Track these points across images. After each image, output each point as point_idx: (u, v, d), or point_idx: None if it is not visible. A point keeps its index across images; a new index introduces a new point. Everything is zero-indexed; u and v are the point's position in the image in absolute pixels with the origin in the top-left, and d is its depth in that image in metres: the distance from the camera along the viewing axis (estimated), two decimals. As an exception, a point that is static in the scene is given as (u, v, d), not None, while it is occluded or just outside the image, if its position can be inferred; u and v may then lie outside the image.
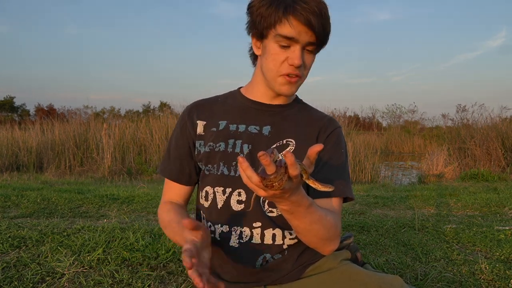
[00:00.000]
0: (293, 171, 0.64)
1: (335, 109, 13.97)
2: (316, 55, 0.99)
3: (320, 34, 0.91)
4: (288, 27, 0.89)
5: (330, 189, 0.72)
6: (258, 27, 0.93)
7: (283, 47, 0.92)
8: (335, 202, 0.95)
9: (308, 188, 0.89)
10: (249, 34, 1.00)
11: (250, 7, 0.95)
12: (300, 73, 0.95)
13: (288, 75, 0.93)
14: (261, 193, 0.67)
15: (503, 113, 9.51)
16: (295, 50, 0.91)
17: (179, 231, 0.93)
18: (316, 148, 0.66)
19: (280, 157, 0.69)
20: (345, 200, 0.99)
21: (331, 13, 0.94)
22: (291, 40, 0.90)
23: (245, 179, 0.66)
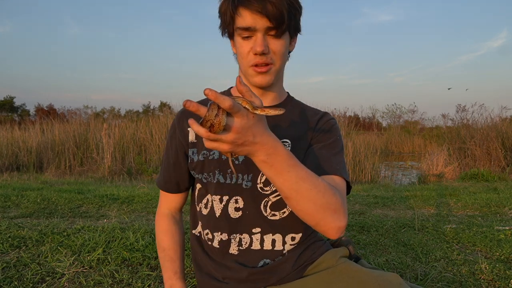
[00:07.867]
0: (222, 102, 0.60)
1: (335, 109, 13.93)
2: (297, 37, 0.98)
3: (276, 17, 0.87)
4: (241, 19, 0.88)
5: (281, 112, 0.67)
6: (224, 26, 0.94)
7: (246, 38, 0.90)
8: (336, 179, 0.88)
9: None
10: (223, 36, 0.99)
11: (218, 9, 0.95)
12: (268, 60, 0.91)
13: (256, 65, 0.91)
14: (221, 146, 0.64)
15: (503, 113, 9.52)
16: (256, 38, 0.89)
17: (168, 275, 1.07)
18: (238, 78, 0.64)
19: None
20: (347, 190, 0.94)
21: None
22: (249, 30, 0.89)
23: (205, 143, 0.64)
